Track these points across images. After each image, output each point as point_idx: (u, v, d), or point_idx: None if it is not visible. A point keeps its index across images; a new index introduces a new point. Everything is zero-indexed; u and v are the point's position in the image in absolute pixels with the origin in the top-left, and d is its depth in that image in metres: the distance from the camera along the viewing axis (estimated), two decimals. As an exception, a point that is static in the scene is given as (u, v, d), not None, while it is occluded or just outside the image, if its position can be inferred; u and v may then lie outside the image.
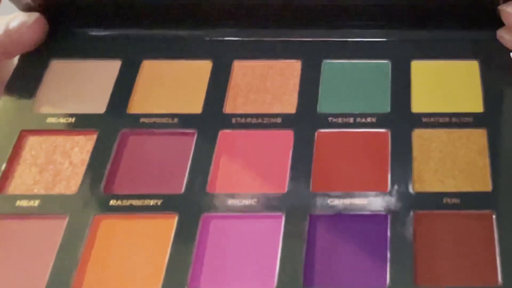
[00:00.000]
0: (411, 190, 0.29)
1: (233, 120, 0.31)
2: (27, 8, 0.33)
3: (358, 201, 0.29)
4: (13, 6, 0.33)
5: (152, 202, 0.29)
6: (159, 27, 0.34)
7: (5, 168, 0.29)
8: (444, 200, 0.29)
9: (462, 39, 0.34)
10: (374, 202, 0.29)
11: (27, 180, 0.29)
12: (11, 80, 0.33)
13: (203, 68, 0.33)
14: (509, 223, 0.28)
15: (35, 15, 0.32)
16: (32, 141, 0.31)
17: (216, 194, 0.29)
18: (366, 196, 0.29)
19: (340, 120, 0.31)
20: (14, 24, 0.32)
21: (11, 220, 0.28)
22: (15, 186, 0.29)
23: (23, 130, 0.31)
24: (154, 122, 0.31)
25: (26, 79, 0.33)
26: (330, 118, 0.32)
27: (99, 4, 0.33)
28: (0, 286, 0.27)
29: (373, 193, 0.29)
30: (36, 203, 0.28)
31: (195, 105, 0.32)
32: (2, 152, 0.30)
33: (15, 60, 0.34)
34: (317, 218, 0.29)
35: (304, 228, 0.28)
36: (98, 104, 0.32)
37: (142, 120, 0.31)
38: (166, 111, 0.32)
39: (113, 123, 0.31)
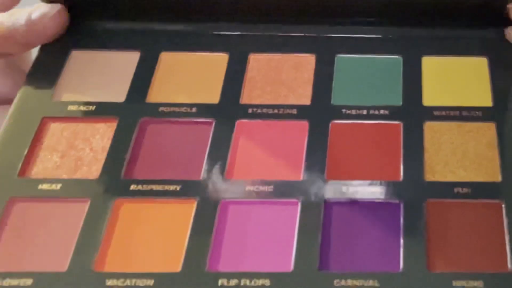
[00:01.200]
0: (423, 179, 0.30)
1: (250, 111, 0.32)
2: (49, 0, 0.33)
3: (371, 189, 0.30)
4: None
5: (171, 187, 0.29)
6: (177, 21, 0.35)
7: (27, 153, 0.30)
8: (455, 190, 0.30)
9: (471, 36, 0.36)
10: (387, 191, 0.30)
11: (49, 164, 0.30)
12: (32, 69, 0.33)
13: (219, 60, 0.34)
14: (517, 212, 0.29)
15: (57, 6, 0.33)
16: (53, 128, 0.31)
17: (234, 181, 0.30)
18: (379, 185, 0.30)
19: (353, 112, 0.32)
20: (36, 14, 0.33)
21: (33, 203, 0.29)
22: (37, 171, 0.30)
23: (44, 117, 0.32)
24: (173, 111, 0.32)
25: (47, 69, 0.33)
26: (344, 110, 0.32)
27: (120, -3, 0.34)
28: (24, 267, 0.27)
29: (386, 182, 0.30)
30: (58, 186, 0.29)
31: (212, 96, 0.33)
32: (24, 138, 0.31)
33: (33, 51, 0.35)
34: (332, 205, 0.29)
35: (320, 214, 0.29)
36: (118, 93, 0.32)
37: (161, 109, 0.32)
38: (184, 101, 0.32)
39: (133, 112, 0.32)
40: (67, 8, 0.34)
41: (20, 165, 0.30)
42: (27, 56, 0.36)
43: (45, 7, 0.33)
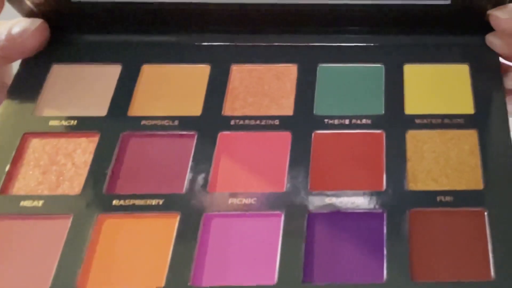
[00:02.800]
0: (405, 188, 0.30)
1: (232, 122, 0.32)
2: (29, 14, 0.33)
3: (354, 200, 0.30)
4: (13, 12, 0.34)
5: (154, 202, 0.29)
6: (158, 33, 0.35)
7: (8, 169, 0.30)
8: (438, 198, 0.30)
9: (452, 44, 0.36)
10: (370, 200, 0.30)
11: (31, 181, 0.30)
12: (13, 84, 0.33)
13: (201, 72, 0.34)
14: (500, 220, 0.29)
15: (38, 21, 0.33)
16: (34, 143, 0.31)
17: (216, 194, 0.30)
18: (362, 195, 0.30)
19: (336, 121, 0.32)
20: (16, 29, 0.32)
21: (15, 220, 0.29)
22: (18, 187, 0.30)
23: (25, 133, 0.31)
24: (154, 125, 0.32)
25: (28, 83, 0.33)
26: (326, 120, 0.32)
27: (99, 10, 0.34)
28: (5, 285, 0.27)
29: (369, 191, 0.30)
30: (40, 203, 0.29)
31: (194, 108, 0.33)
32: (5, 154, 0.30)
33: (14, 64, 0.35)
34: (315, 216, 0.29)
35: (303, 226, 0.29)
36: (99, 107, 0.32)
37: (143, 122, 0.32)
38: (166, 113, 0.32)
39: (114, 126, 0.32)
40: (47, 22, 0.34)
41: (2, 182, 0.30)
42: (7, 69, 0.36)
43: (26, 22, 0.33)
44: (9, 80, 0.36)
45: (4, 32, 0.32)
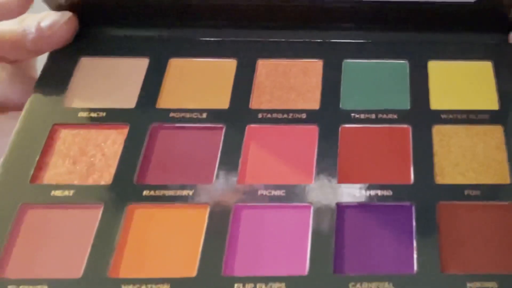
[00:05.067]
0: (433, 182, 0.30)
1: (260, 115, 0.32)
2: (58, 7, 0.34)
3: (383, 192, 0.30)
4: (42, 5, 0.34)
5: (184, 192, 0.29)
6: (185, 28, 0.35)
7: (38, 159, 0.30)
8: (466, 192, 0.30)
9: (475, 41, 0.36)
10: (399, 193, 0.30)
11: (61, 171, 0.30)
12: (42, 76, 0.33)
13: (228, 66, 0.34)
14: (528, 214, 0.29)
15: (67, 14, 0.33)
16: (64, 134, 0.31)
17: (246, 185, 0.30)
18: (390, 188, 0.30)
19: (362, 116, 0.33)
20: (46, 22, 0.33)
21: (47, 209, 0.29)
22: (49, 177, 0.30)
23: (55, 124, 0.31)
24: (183, 117, 0.32)
25: (56, 76, 0.33)
26: (353, 114, 0.33)
27: (127, 4, 0.34)
28: (38, 274, 0.27)
29: (397, 185, 0.30)
30: (71, 192, 0.29)
31: (222, 101, 0.33)
32: (35, 145, 0.31)
33: (39, 57, 0.35)
34: (344, 208, 0.30)
35: (332, 218, 0.29)
36: (127, 100, 0.33)
37: (171, 114, 0.32)
38: (194, 106, 0.32)
39: (143, 118, 0.32)
40: (76, 15, 0.34)
41: (32, 171, 0.30)
42: (33, 62, 0.36)
43: (55, 15, 0.33)
44: (35, 73, 0.36)
45: (34, 25, 0.32)
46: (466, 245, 0.29)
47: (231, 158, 0.31)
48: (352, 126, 0.32)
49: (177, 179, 0.30)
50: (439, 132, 0.32)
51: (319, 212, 0.29)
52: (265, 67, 0.35)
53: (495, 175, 0.31)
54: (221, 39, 0.35)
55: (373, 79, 0.35)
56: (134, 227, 0.29)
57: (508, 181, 0.31)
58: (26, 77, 0.33)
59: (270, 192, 0.30)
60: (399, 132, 0.32)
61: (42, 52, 0.34)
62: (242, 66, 0.34)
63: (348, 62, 0.35)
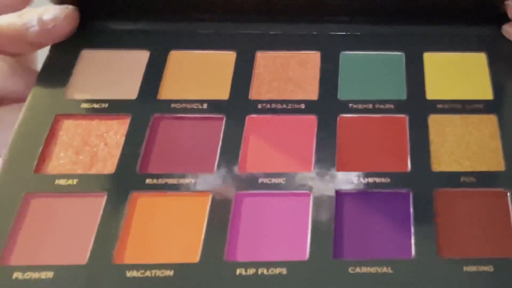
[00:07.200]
0: (430, 170, 0.31)
1: (259, 106, 0.33)
2: (60, 1, 0.34)
3: (381, 180, 0.31)
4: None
5: (187, 181, 0.30)
6: (185, 22, 0.36)
7: (42, 149, 0.31)
8: (462, 179, 0.31)
9: (469, 33, 0.37)
10: (397, 181, 0.31)
11: (64, 161, 0.31)
12: (44, 68, 0.34)
13: (227, 58, 0.35)
14: (522, 201, 0.30)
15: (69, 8, 0.34)
16: (67, 125, 0.32)
17: (247, 174, 0.30)
18: (388, 176, 0.31)
19: (360, 106, 0.33)
20: (48, 16, 0.33)
21: (51, 198, 0.29)
22: (52, 167, 0.30)
23: (58, 115, 0.32)
24: (184, 108, 0.33)
25: (58, 68, 0.34)
26: (350, 104, 0.33)
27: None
28: (44, 260, 0.28)
29: (395, 172, 0.31)
30: (74, 181, 0.30)
31: (222, 92, 0.33)
32: (38, 135, 0.31)
33: (40, 50, 0.35)
34: (343, 195, 0.30)
35: (332, 205, 0.30)
36: (129, 91, 0.33)
37: (172, 105, 0.33)
38: (195, 97, 0.33)
39: (145, 108, 0.32)
40: (77, 9, 0.34)
41: (36, 161, 0.30)
42: (34, 55, 0.36)
43: (57, 9, 0.33)
44: (35, 66, 0.36)
45: (36, 18, 0.33)
46: (462, 231, 0.29)
47: (231, 148, 0.31)
48: (350, 116, 0.33)
49: (179, 169, 0.31)
50: (435, 121, 0.33)
51: (319, 199, 0.30)
52: (263, 59, 0.35)
53: (489, 163, 0.32)
54: (220, 32, 0.36)
55: (370, 70, 0.35)
56: (137, 215, 0.29)
57: (502, 168, 0.31)
58: (27, 70, 0.34)
59: (270, 180, 0.30)
60: (396, 122, 0.33)
61: (44, 45, 0.34)
62: (241, 58, 0.35)
63: (345, 54, 0.36)
